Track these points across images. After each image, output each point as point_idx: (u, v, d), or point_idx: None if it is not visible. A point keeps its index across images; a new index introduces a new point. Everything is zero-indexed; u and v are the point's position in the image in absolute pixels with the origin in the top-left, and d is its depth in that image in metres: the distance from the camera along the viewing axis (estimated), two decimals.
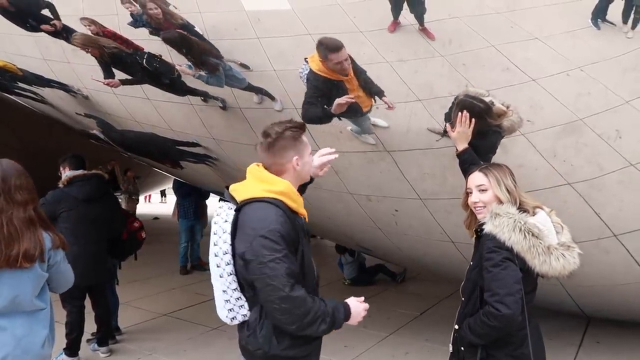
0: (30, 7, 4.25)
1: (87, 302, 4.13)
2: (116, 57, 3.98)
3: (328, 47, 3.00)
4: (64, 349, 3.97)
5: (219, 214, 1.87)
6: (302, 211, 1.87)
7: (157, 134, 4.83)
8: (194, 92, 4.04)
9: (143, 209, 15.43)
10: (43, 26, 4.21)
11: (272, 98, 3.78)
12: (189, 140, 4.74)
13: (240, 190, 1.86)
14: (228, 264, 1.79)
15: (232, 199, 1.87)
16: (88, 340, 4.31)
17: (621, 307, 3.98)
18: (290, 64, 3.49)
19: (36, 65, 4.74)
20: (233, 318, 1.85)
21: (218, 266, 1.81)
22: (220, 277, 1.82)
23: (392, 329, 4.64)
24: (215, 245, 1.83)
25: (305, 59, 3.18)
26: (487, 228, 1.99)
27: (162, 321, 5.15)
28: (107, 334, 4.28)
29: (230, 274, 1.80)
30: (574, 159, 2.95)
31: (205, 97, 4.10)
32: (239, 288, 1.82)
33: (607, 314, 4.38)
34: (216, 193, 7.31)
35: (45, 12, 4.12)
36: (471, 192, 2.15)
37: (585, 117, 2.85)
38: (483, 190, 2.08)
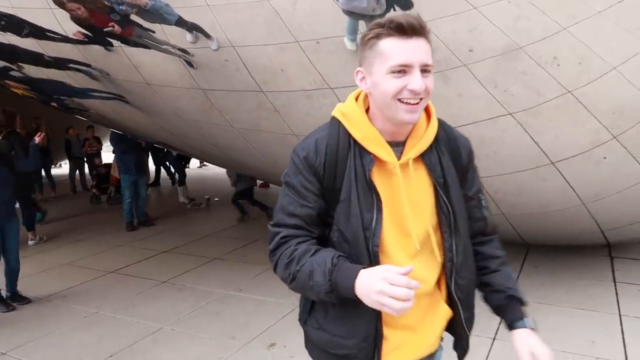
0: None
1: None
2: None
3: None
4: None
5: None
6: (374, 149, 1.19)
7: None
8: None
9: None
10: None
11: (208, 36, 3.55)
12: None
13: None
14: None
15: None
16: None
17: (556, 232, 4.19)
18: None
19: None
20: None
21: None
22: None
23: None
24: None
25: None
26: None
27: (109, 278, 4.98)
28: None
29: None
30: (513, 87, 2.96)
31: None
32: None
33: (544, 240, 4.62)
34: (157, 144, 7.00)
35: None
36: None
37: (525, 44, 2.84)
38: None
